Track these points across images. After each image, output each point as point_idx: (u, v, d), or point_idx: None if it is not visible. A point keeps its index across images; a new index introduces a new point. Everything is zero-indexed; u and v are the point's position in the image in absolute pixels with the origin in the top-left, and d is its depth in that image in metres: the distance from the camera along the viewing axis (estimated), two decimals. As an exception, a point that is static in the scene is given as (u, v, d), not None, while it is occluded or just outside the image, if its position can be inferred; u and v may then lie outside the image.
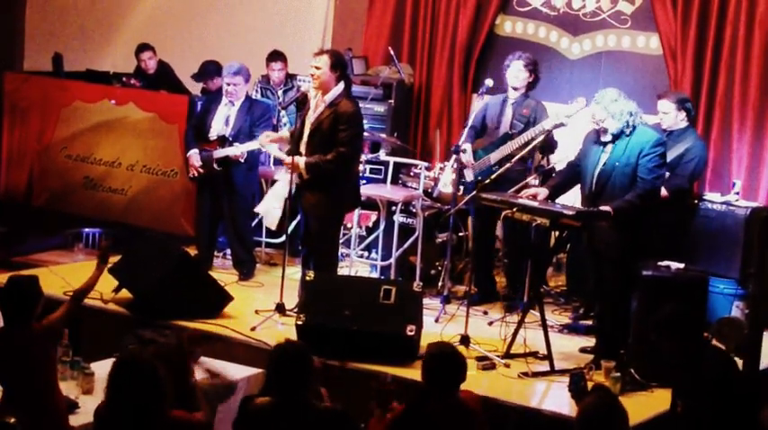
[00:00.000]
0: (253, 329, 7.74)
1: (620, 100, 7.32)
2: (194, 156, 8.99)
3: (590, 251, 7.57)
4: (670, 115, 8.28)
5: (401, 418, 5.20)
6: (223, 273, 9.03)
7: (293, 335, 7.41)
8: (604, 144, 7.41)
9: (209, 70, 10.19)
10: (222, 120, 9.05)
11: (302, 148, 7.92)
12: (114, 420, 4.78)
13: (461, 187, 8.46)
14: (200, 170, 8.97)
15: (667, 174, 7.88)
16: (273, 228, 8.93)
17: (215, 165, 8.93)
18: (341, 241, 9.54)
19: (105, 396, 4.85)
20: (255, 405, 5.06)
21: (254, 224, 9.43)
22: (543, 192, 7.69)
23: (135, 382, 4.73)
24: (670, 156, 7.85)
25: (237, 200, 9.07)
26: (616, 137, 7.34)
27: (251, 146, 8.83)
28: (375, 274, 9.09)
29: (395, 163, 9.38)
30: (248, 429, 5.09)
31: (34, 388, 5.65)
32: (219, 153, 8.93)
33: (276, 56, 10.10)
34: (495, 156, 8.49)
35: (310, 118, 7.94)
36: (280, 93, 10.06)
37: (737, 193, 8.64)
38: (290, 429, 4.97)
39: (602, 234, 7.32)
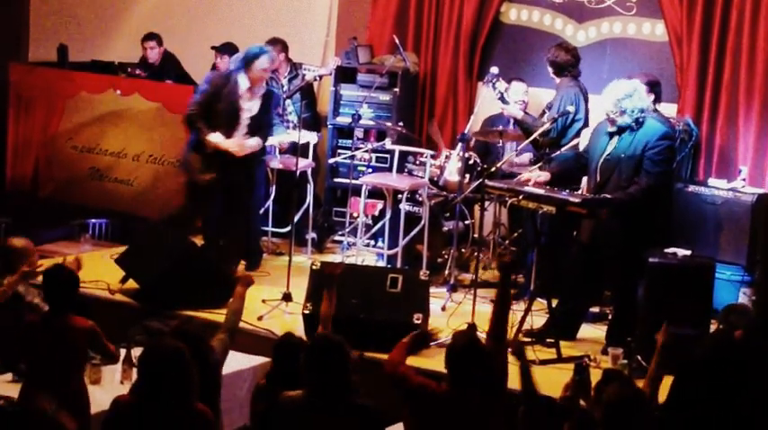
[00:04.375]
0: (260, 319, 7.76)
1: (635, 95, 7.31)
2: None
3: (588, 240, 7.55)
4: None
5: (438, 399, 5.16)
6: (230, 262, 9.04)
7: (300, 324, 7.43)
8: (611, 135, 7.41)
9: (231, 48, 10.19)
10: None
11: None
12: (138, 409, 4.78)
13: None
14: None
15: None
16: None
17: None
18: (347, 230, 9.57)
19: (137, 383, 4.84)
20: (286, 398, 5.05)
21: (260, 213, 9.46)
22: (545, 176, 7.70)
23: (165, 370, 4.74)
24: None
25: (248, 190, 9.06)
26: (623, 129, 7.34)
27: (287, 137, 8.88)
28: (382, 263, 9.10)
29: (400, 151, 9.38)
30: (276, 422, 5.07)
31: (62, 375, 5.68)
32: None
33: (270, 42, 10.04)
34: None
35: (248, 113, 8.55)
36: (284, 81, 10.04)
37: (744, 180, 8.63)
38: (321, 425, 4.93)
39: (604, 222, 7.33)
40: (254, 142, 8.62)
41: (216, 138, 8.55)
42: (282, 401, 5.03)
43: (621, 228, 7.29)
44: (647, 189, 7.24)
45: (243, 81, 8.59)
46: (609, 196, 7.27)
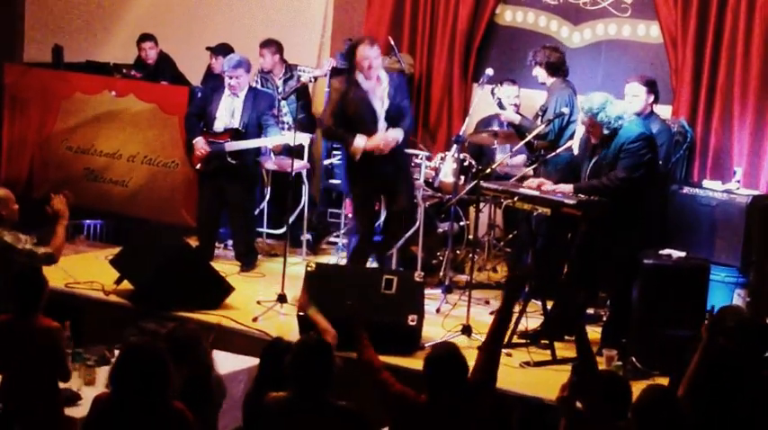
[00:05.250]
0: (254, 320, 7.75)
1: (608, 106, 7.29)
2: (201, 142, 8.98)
3: (583, 242, 7.56)
4: (640, 98, 8.24)
5: (418, 407, 5.17)
6: (224, 263, 9.05)
7: (295, 326, 7.43)
8: (594, 147, 7.43)
9: (225, 49, 10.20)
10: (228, 113, 9.03)
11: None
12: (116, 407, 4.79)
13: None
14: (205, 154, 8.95)
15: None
16: None
17: (228, 158, 8.92)
18: (342, 231, 9.57)
19: (109, 381, 4.86)
20: (271, 399, 5.05)
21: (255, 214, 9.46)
22: (548, 182, 7.68)
23: (140, 368, 4.74)
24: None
25: (243, 191, 9.07)
26: (605, 139, 7.34)
27: (283, 139, 8.85)
28: (376, 264, 9.09)
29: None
30: (263, 423, 5.07)
31: (35, 377, 5.67)
32: (235, 146, 8.90)
33: (264, 44, 10.06)
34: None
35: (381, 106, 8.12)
36: (279, 83, 10.04)
37: (738, 181, 8.63)
38: (308, 426, 4.94)
39: (599, 224, 7.34)
40: (395, 133, 8.11)
41: (357, 142, 8.06)
42: (267, 402, 5.04)
43: (616, 229, 7.29)
44: (618, 180, 7.21)
45: (360, 79, 8.12)
46: (584, 186, 7.33)
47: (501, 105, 8.98)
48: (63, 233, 6.85)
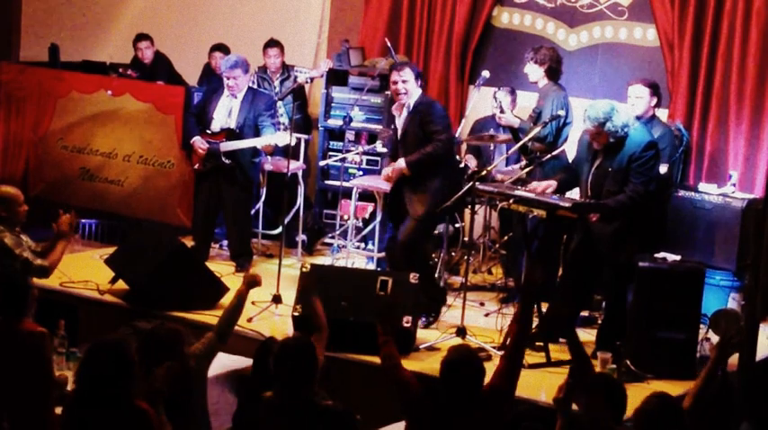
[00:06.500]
0: (249, 320, 7.74)
1: (614, 115, 7.24)
2: (199, 140, 8.96)
3: (581, 246, 7.56)
4: (644, 100, 8.24)
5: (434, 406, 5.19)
6: (220, 264, 9.04)
7: (290, 326, 7.43)
8: (595, 152, 7.41)
9: (225, 48, 10.21)
10: (225, 113, 9.02)
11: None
12: (77, 404, 4.81)
13: None
14: (205, 151, 8.95)
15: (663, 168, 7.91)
16: None
17: (223, 158, 8.91)
18: (337, 232, 9.57)
19: (75, 377, 4.88)
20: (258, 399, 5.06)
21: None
22: (552, 185, 7.67)
23: (103, 366, 4.78)
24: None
25: (240, 192, 9.06)
26: (607, 146, 7.33)
27: (272, 138, 8.83)
28: (371, 266, 9.10)
29: (391, 154, 9.37)
30: (249, 423, 5.08)
31: (22, 380, 5.65)
32: (228, 146, 8.89)
33: (271, 43, 10.09)
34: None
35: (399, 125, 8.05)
36: (276, 83, 10.04)
37: (734, 185, 8.64)
38: (292, 426, 4.94)
39: (594, 227, 7.34)
40: (398, 165, 7.99)
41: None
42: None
43: (612, 232, 7.30)
44: (636, 196, 7.24)
45: (394, 106, 8.21)
46: (615, 206, 7.28)
47: (502, 109, 8.99)
48: (62, 250, 6.92)
